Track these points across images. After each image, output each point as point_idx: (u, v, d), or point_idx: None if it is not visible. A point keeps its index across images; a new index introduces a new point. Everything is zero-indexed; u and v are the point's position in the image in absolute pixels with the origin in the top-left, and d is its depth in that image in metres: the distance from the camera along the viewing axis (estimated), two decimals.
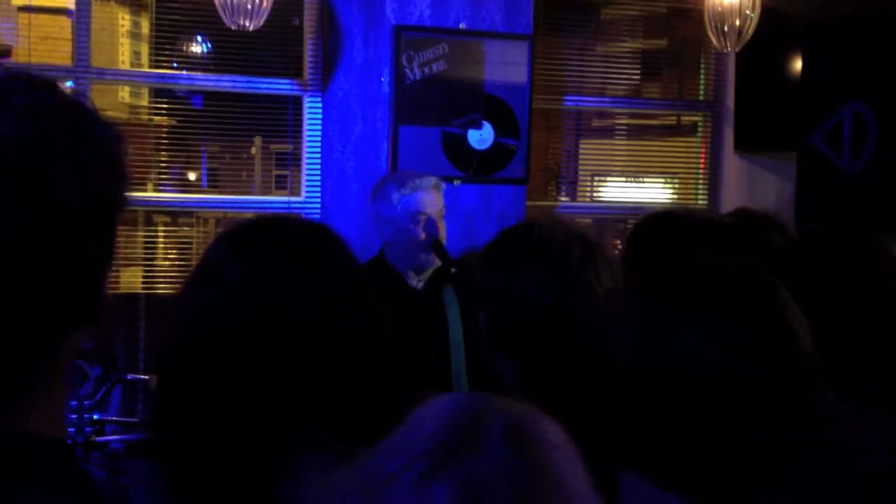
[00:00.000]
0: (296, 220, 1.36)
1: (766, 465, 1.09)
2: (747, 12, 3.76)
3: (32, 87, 0.80)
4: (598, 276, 1.64)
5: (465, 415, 0.79)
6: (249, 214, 4.45)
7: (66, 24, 5.01)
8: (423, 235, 3.09)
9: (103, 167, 0.82)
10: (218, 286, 1.20)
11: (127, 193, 0.85)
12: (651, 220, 2.31)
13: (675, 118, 5.24)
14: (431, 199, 3.13)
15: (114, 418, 3.47)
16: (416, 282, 3.17)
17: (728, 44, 3.81)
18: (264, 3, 3.35)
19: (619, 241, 5.22)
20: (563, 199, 4.96)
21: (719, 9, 3.79)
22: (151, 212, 4.39)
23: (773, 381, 1.08)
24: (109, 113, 4.81)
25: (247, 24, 3.33)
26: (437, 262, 3.15)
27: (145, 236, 4.35)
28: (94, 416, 3.31)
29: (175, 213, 4.50)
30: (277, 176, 4.91)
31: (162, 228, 4.53)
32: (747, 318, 1.10)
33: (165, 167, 4.45)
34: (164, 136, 4.48)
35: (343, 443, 1.16)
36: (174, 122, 4.47)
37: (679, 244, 2.08)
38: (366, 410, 1.21)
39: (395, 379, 1.29)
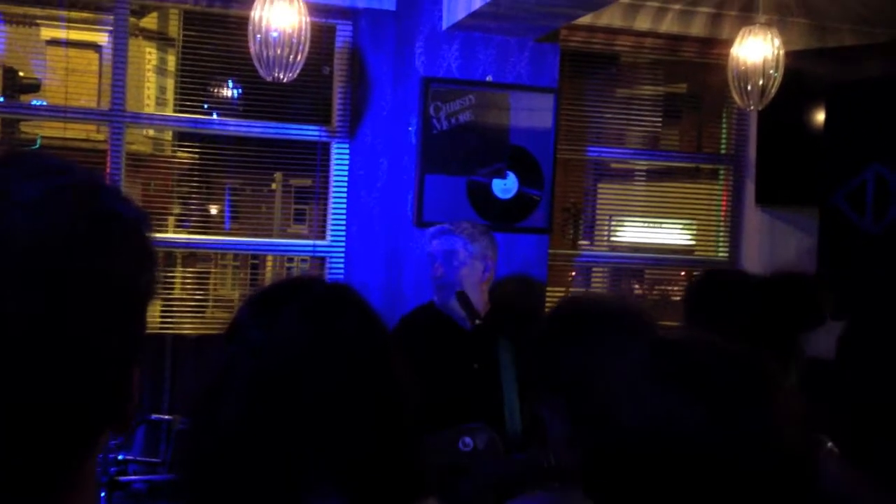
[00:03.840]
0: (319, 283, 1.40)
1: None
2: (771, 72, 3.81)
3: (42, 172, 0.74)
4: None
5: None
6: (270, 256, 4.56)
7: (93, 58, 5.11)
8: (431, 275, 3.36)
9: (126, 257, 0.76)
10: (242, 344, 1.28)
11: (155, 280, 0.80)
12: (705, 282, 2.42)
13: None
14: (438, 240, 3.38)
15: (137, 458, 3.49)
16: (465, 323, 3.30)
17: (751, 102, 3.86)
18: (299, 57, 3.43)
19: (637, 287, 5.26)
20: (582, 243, 5.00)
21: (742, 68, 3.84)
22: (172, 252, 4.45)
23: (764, 460, 1.08)
24: (133, 147, 4.89)
25: (282, 76, 3.41)
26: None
27: (164, 273, 4.39)
28: (119, 456, 3.34)
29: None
30: (296, 210, 4.98)
31: (180, 268, 4.58)
32: (736, 394, 1.11)
33: (188, 203, 4.50)
34: (188, 171, 4.54)
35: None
36: (198, 159, 4.53)
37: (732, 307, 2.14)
38: (379, 471, 1.26)
39: (415, 442, 1.33)
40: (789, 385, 1.16)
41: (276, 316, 1.28)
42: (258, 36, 3.44)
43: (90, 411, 0.74)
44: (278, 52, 3.39)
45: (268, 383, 1.23)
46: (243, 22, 3.61)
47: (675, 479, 1.08)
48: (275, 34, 3.42)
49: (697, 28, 4.69)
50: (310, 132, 4.32)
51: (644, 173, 5.25)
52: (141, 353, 0.78)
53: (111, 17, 4.05)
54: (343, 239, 4.31)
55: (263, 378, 1.23)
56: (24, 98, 4.36)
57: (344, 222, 4.31)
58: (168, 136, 5.05)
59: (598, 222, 5.09)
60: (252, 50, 3.48)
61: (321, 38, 4.18)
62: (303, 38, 3.44)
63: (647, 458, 1.09)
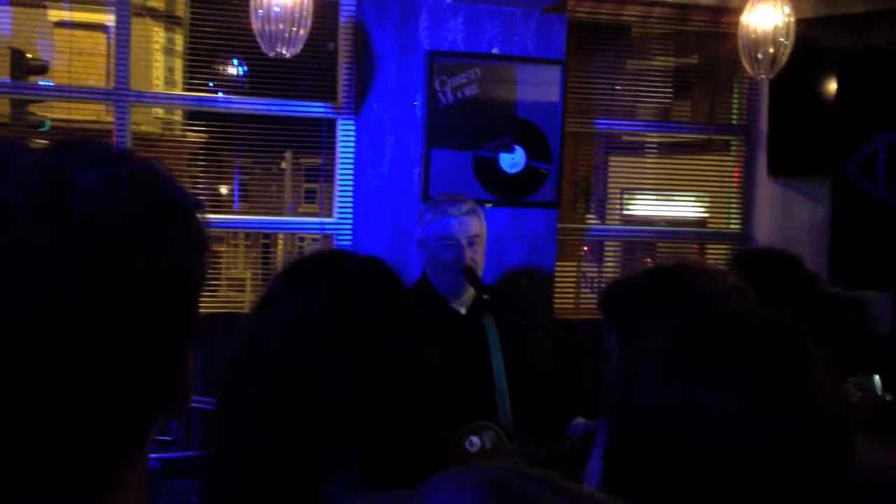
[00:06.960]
0: (351, 256, 1.41)
1: None
2: (781, 40, 3.75)
3: (99, 160, 0.73)
4: None
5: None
6: (282, 235, 4.55)
7: (101, 39, 5.10)
8: (454, 260, 3.11)
9: (185, 244, 0.77)
10: (275, 314, 1.28)
11: (206, 265, 0.79)
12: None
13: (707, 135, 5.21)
14: (462, 224, 3.14)
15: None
16: (460, 305, 3.19)
17: (762, 71, 3.80)
18: (301, 31, 3.40)
19: (650, 261, 5.22)
20: (592, 218, 4.96)
21: (753, 36, 3.78)
22: None
23: (810, 438, 0.98)
24: (143, 128, 4.88)
25: (284, 51, 3.38)
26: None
27: None
28: None
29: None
30: (307, 190, 4.97)
31: None
32: (775, 372, 1.00)
33: (198, 182, 4.49)
34: (198, 151, 4.54)
35: (369, 481, 1.21)
36: (208, 139, 4.52)
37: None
38: (399, 450, 1.25)
39: (436, 419, 1.33)
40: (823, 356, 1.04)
41: (308, 289, 1.29)
42: (260, 11, 3.41)
43: (147, 400, 0.74)
44: (280, 26, 3.36)
45: (295, 357, 1.23)
46: None
47: (699, 474, 0.97)
48: (276, 9, 3.40)
49: None
50: (316, 109, 4.30)
51: (655, 146, 5.20)
52: (195, 338, 0.78)
53: None
54: (350, 215, 4.30)
55: (291, 351, 1.24)
56: (31, 80, 4.36)
57: (351, 199, 4.29)
58: (178, 116, 5.04)
59: (609, 196, 5.05)
60: (254, 25, 3.46)
61: (325, 13, 4.15)
62: (305, 12, 3.42)
63: (667, 449, 0.99)
